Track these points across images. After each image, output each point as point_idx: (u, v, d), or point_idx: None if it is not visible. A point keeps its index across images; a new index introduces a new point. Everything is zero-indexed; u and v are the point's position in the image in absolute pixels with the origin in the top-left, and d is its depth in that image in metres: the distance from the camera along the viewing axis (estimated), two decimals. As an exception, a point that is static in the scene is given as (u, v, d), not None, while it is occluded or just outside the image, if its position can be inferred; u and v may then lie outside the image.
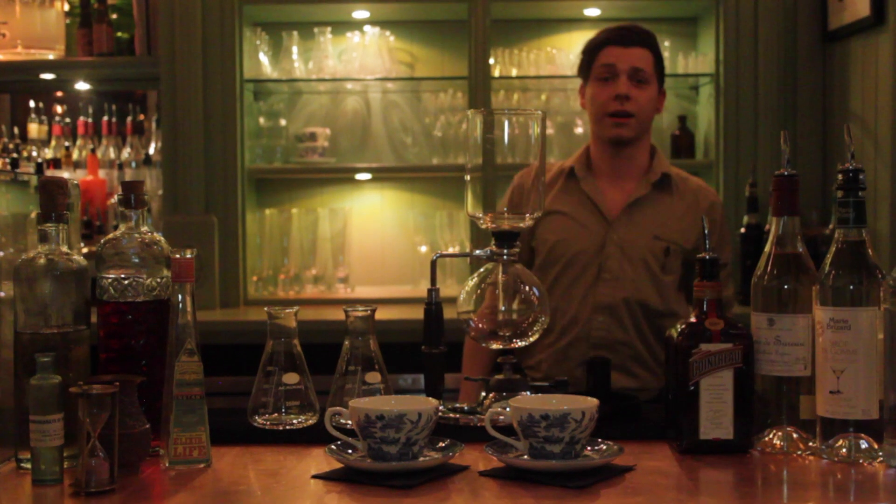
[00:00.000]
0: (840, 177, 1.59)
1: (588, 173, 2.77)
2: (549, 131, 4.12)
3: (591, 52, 2.78)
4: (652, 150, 2.81)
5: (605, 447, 1.56)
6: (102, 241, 1.69)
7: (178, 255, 1.58)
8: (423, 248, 4.18)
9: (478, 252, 1.86)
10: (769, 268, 1.64)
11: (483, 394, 1.83)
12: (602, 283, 2.66)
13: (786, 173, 1.65)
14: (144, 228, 1.69)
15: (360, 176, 4.30)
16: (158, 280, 1.67)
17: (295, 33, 4.17)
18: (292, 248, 4.16)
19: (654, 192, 2.74)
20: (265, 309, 1.78)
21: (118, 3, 4.22)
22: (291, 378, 1.75)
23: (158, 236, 1.70)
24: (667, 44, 4.19)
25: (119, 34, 4.19)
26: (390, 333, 2.52)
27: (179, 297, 1.58)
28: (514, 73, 4.16)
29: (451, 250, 4.09)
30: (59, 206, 1.61)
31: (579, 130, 4.18)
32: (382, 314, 3.21)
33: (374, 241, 4.32)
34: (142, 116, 4.37)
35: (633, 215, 2.72)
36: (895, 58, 3.38)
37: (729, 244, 2.82)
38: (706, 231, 1.70)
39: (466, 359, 2.67)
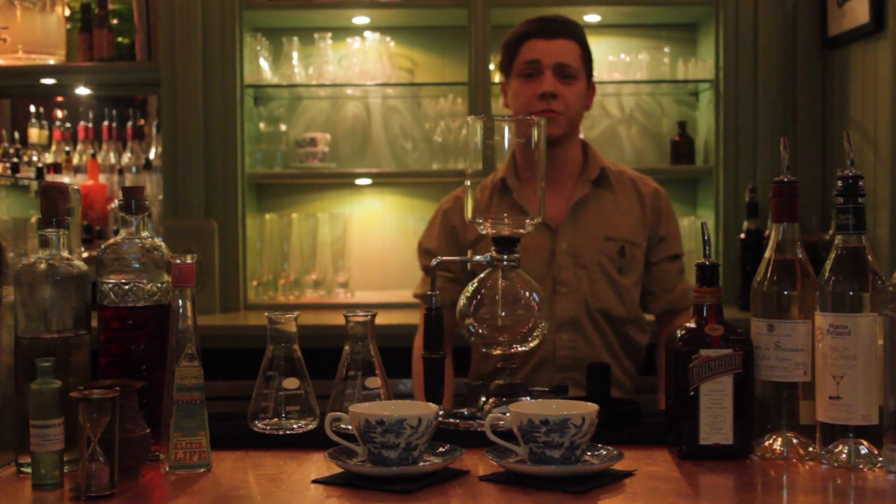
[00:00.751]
0: (840, 183, 1.59)
1: (519, 182, 2.53)
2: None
3: (511, 46, 2.59)
4: (584, 147, 2.65)
5: (605, 452, 1.56)
6: (103, 246, 1.69)
7: (178, 261, 1.58)
8: (423, 254, 4.18)
9: (478, 258, 1.86)
10: (769, 274, 1.65)
11: (483, 399, 1.83)
12: (559, 297, 2.50)
13: (785, 180, 1.65)
14: (145, 233, 1.69)
15: (360, 181, 4.30)
16: (159, 285, 1.67)
17: (295, 39, 4.18)
18: (292, 252, 4.16)
19: (596, 190, 2.58)
20: (265, 314, 1.78)
21: (119, 9, 4.22)
22: (292, 383, 1.75)
23: (159, 241, 1.70)
24: (666, 50, 4.20)
25: (120, 39, 4.19)
26: (390, 338, 2.52)
27: (180, 301, 1.58)
28: (514, 78, 4.15)
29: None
30: (60, 212, 1.61)
31: (580, 136, 4.17)
32: (382, 319, 3.21)
33: (374, 245, 4.33)
34: (142, 121, 4.37)
35: (579, 218, 2.55)
36: (894, 64, 3.38)
37: (678, 232, 2.67)
38: (706, 238, 1.70)
39: (416, 380, 2.54)
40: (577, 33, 2.57)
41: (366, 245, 4.31)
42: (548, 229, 2.53)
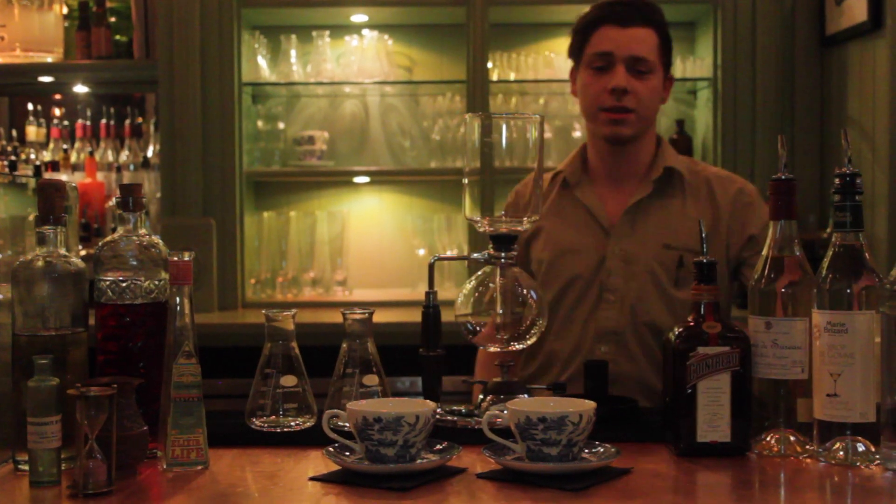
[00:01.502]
0: (837, 181, 1.59)
1: (584, 177, 2.41)
2: (547, 135, 4.13)
3: (583, 33, 2.37)
4: (658, 143, 2.43)
5: (602, 450, 1.56)
6: (100, 243, 1.69)
7: (175, 258, 1.58)
8: (422, 252, 4.18)
9: (475, 255, 1.86)
10: (766, 271, 1.65)
11: (481, 396, 1.83)
12: (605, 305, 2.31)
13: (783, 177, 1.65)
14: (142, 231, 1.69)
15: (358, 179, 4.30)
16: (156, 282, 1.67)
17: (293, 37, 4.18)
18: (290, 250, 4.17)
19: (660, 191, 2.35)
20: (263, 312, 1.78)
21: (117, 7, 4.22)
22: (289, 380, 1.75)
23: (156, 239, 1.70)
24: (665, 48, 4.19)
25: (117, 37, 4.19)
26: (388, 336, 2.52)
27: (177, 299, 1.58)
28: (512, 76, 4.16)
29: (449, 253, 4.08)
30: (57, 209, 1.61)
31: (577, 134, 4.18)
32: (380, 317, 3.21)
33: (372, 244, 4.33)
34: (140, 119, 4.37)
35: (636, 221, 2.33)
36: (892, 62, 3.38)
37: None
38: (703, 234, 1.70)
39: (479, 366, 2.43)
40: (655, 19, 2.33)
41: (364, 243, 4.31)
42: (601, 230, 2.35)
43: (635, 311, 2.29)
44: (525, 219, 1.86)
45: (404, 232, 4.29)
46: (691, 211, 2.32)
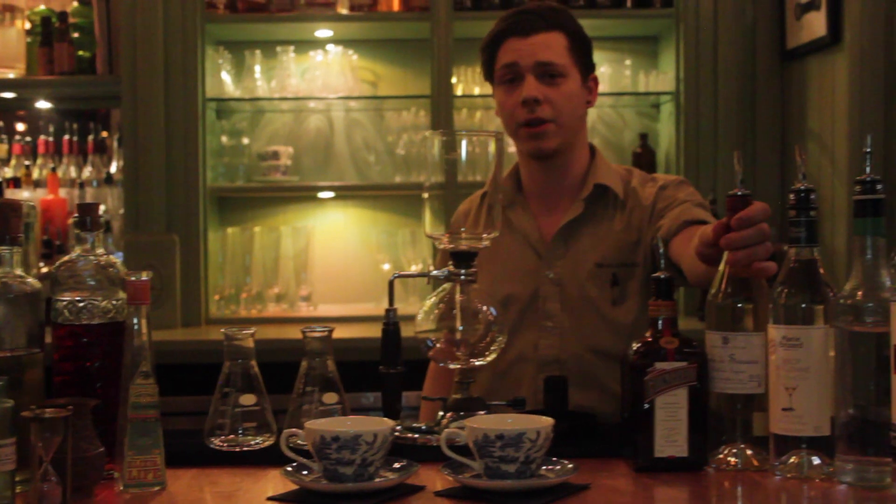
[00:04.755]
0: (792, 196, 1.61)
1: (518, 197, 2.30)
2: (511, 149, 4.12)
3: (489, 50, 2.27)
4: (591, 155, 2.31)
5: (560, 466, 1.56)
6: (58, 263, 1.68)
7: (133, 278, 1.57)
8: (386, 266, 4.18)
9: (435, 272, 1.86)
10: (723, 286, 1.66)
11: (440, 413, 1.84)
12: (544, 333, 2.21)
13: (739, 193, 1.67)
14: (100, 250, 1.68)
15: (322, 194, 4.30)
16: (114, 302, 1.66)
17: (258, 52, 4.18)
18: (255, 266, 4.15)
19: (591, 209, 2.24)
20: (221, 330, 1.77)
21: (80, 22, 4.20)
22: (248, 399, 1.75)
23: (115, 258, 1.69)
24: (628, 62, 4.23)
25: (80, 53, 4.17)
26: (353, 352, 2.52)
27: (135, 319, 1.57)
28: (476, 91, 4.17)
29: (413, 268, 4.09)
30: (13, 230, 1.60)
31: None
32: (345, 332, 3.22)
33: (336, 259, 4.32)
34: (105, 134, 4.35)
35: (568, 243, 2.23)
36: (851, 76, 3.43)
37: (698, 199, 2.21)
38: (661, 251, 1.71)
39: (429, 379, 2.35)
40: (559, 22, 2.22)
41: (329, 258, 4.30)
42: (535, 254, 2.25)
43: (576, 337, 2.19)
44: (485, 235, 1.86)
45: (369, 247, 4.29)
46: (621, 223, 2.23)
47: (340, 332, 1.80)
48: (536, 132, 2.19)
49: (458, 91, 4.14)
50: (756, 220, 1.59)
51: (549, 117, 2.18)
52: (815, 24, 3.64)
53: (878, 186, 1.54)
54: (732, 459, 1.63)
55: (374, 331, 3.41)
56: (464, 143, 1.87)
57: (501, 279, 2.23)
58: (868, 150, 1.58)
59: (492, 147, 1.89)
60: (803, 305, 1.57)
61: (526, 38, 2.19)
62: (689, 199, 2.19)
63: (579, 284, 2.20)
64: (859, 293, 1.52)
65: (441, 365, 1.87)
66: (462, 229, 1.91)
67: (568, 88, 2.20)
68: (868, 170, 1.55)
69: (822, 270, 1.59)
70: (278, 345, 3.06)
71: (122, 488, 1.54)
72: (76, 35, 4.18)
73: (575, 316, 2.20)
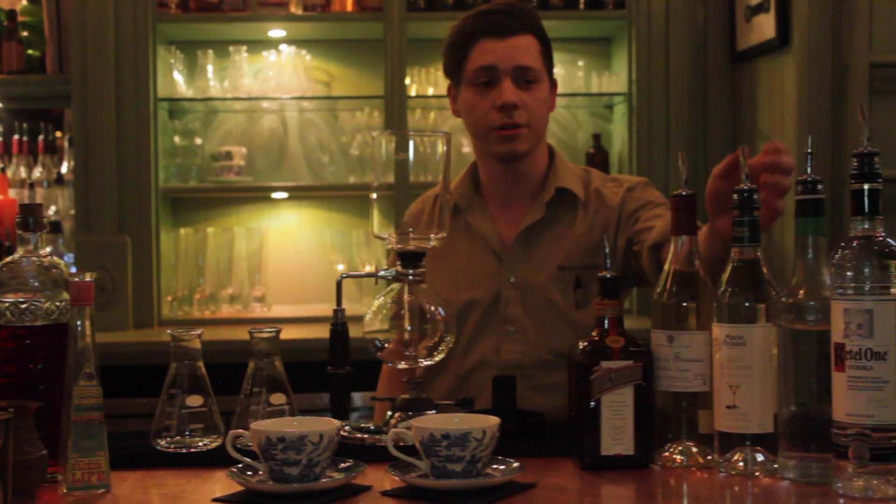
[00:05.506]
0: (735, 197, 1.62)
1: (477, 200, 2.27)
2: (466, 149, 4.14)
3: (459, 49, 2.21)
4: (550, 158, 2.30)
5: (507, 465, 1.57)
6: (0, 264, 1.66)
7: (76, 279, 1.56)
8: (340, 267, 4.18)
9: (383, 273, 1.86)
10: (668, 285, 1.67)
11: (389, 413, 1.84)
12: (506, 337, 2.19)
13: (684, 193, 1.68)
14: (44, 251, 1.66)
15: (276, 195, 4.28)
16: (57, 304, 1.64)
17: (210, 52, 4.15)
18: (208, 267, 4.13)
19: (552, 212, 2.23)
20: (168, 331, 1.76)
21: (29, 21, 4.16)
22: (195, 400, 1.74)
23: (58, 259, 1.68)
24: (581, 63, 4.25)
25: (30, 52, 4.13)
26: (306, 352, 2.51)
27: (78, 321, 1.55)
28: (430, 91, 4.18)
29: (368, 268, 4.08)
30: (-45, 230, 1.58)
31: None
32: (298, 333, 3.20)
33: (291, 259, 4.31)
34: (58, 134, 4.31)
35: (530, 246, 2.22)
36: (799, 78, 3.47)
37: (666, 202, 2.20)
38: (607, 251, 1.72)
39: (382, 380, 2.34)
40: (532, 24, 2.19)
41: (282, 259, 4.29)
42: (495, 258, 2.23)
43: (539, 341, 2.18)
44: (433, 235, 1.87)
45: (323, 247, 4.28)
46: (584, 226, 2.22)
47: (294, 333, 1.80)
48: (511, 135, 2.17)
49: (412, 91, 4.15)
50: (786, 150, 1.69)
51: (525, 122, 2.17)
52: (765, 27, 3.68)
53: (819, 186, 1.56)
54: (678, 457, 1.64)
55: (328, 331, 3.43)
56: (411, 144, 1.87)
57: (462, 284, 2.22)
58: (809, 150, 1.59)
59: (440, 147, 1.89)
60: (746, 304, 1.59)
61: (502, 39, 2.16)
62: (660, 200, 2.22)
63: (542, 288, 2.19)
64: (801, 292, 1.54)
65: (390, 365, 1.87)
66: (410, 230, 1.90)
67: (541, 93, 2.20)
68: (809, 170, 1.57)
69: (765, 269, 1.61)
70: (231, 346, 3.05)
71: (65, 491, 1.52)
72: (25, 34, 4.14)
73: (538, 320, 2.18)
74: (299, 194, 4.29)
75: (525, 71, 2.16)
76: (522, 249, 2.22)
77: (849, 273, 1.44)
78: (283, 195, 4.29)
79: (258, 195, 4.29)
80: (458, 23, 2.24)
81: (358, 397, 2.81)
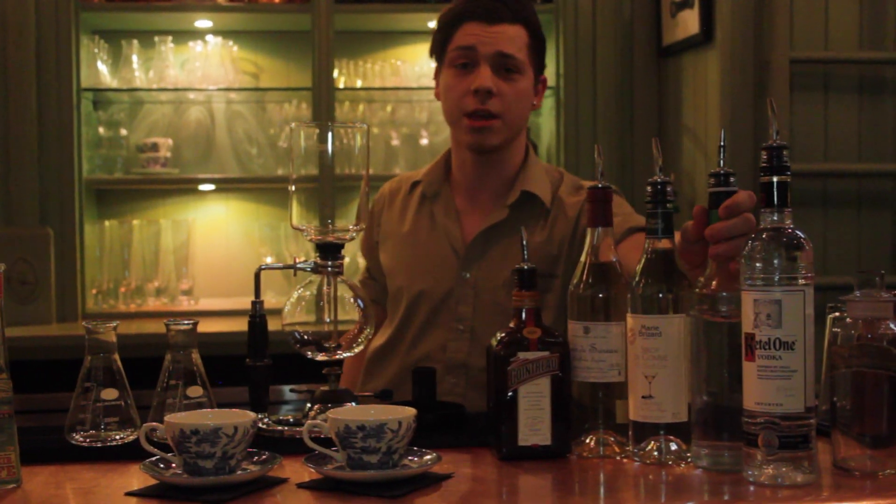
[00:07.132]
0: (649, 189, 1.64)
1: (445, 188, 2.24)
2: (395, 142, 4.15)
3: (446, 30, 2.17)
4: (526, 155, 2.25)
5: (423, 456, 1.57)
6: None
7: (-15, 271, 1.53)
8: (269, 259, 4.15)
9: (300, 265, 1.86)
10: (584, 277, 1.69)
11: (308, 405, 1.83)
12: (454, 335, 2.17)
13: (600, 185, 1.70)
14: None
15: (203, 187, 4.24)
16: (-33, 296, 1.61)
17: (135, 42, 4.10)
18: (134, 260, 4.08)
19: (516, 215, 2.17)
20: (82, 324, 1.74)
21: (-53, 9, 4.07)
22: (110, 394, 1.72)
23: (-32, 251, 1.65)
24: (509, 57, 4.26)
25: (-51, 40, 4.04)
26: (231, 345, 2.48)
27: (-13, 313, 1.53)
28: (358, 84, 4.17)
29: (299, 261, 4.05)
30: None
31: (424, 142, 4.21)
32: (225, 326, 3.18)
33: (218, 252, 4.27)
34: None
35: (488, 246, 2.17)
36: (722, 74, 3.52)
37: (631, 210, 2.20)
38: (524, 242, 1.72)
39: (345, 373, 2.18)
40: (525, 16, 2.13)
41: (210, 252, 4.25)
42: (453, 253, 2.19)
43: (486, 343, 2.06)
44: (351, 227, 1.86)
45: (251, 240, 4.25)
46: (543, 237, 2.18)
47: (220, 326, 1.78)
48: (480, 126, 2.12)
49: (341, 84, 4.13)
50: (743, 209, 1.53)
51: (498, 112, 2.11)
52: (689, 23, 3.73)
53: (732, 179, 1.58)
54: (595, 447, 1.66)
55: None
56: (329, 136, 1.86)
57: (417, 272, 2.21)
58: (722, 144, 1.62)
59: (359, 140, 1.89)
60: (660, 295, 1.61)
61: (489, 25, 2.10)
62: (620, 209, 2.08)
63: (494, 290, 2.16)
64: (714, 283, 1.56)
65: (309, 357, 1.86)
66: (329, 221, 1.88)
67: (522, 86, 2.14)
68: (722, 163, 1.59)
69: (678, 260, 1.63)
70: (156, 339, 3.01)
71: (-26, 487, 1.50)
72: (-56, 22, 4.05)
73: (487, 322, 2.14)
74: (227, 186, 4.26)
75: (507, 59, 2.11)
76: (481, 249, 2.19)
77: (758, 264, 1.46)
78: (211, 187, 4.25)
79: (185, 187, 4.25)
80: (451, 4, 2.21)
81: (279, 390, 2.80)
